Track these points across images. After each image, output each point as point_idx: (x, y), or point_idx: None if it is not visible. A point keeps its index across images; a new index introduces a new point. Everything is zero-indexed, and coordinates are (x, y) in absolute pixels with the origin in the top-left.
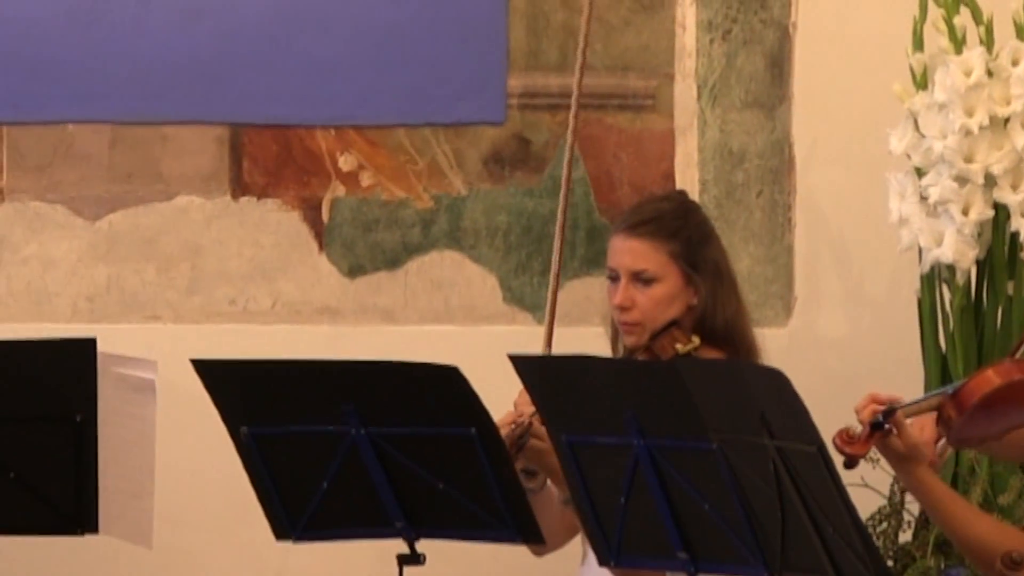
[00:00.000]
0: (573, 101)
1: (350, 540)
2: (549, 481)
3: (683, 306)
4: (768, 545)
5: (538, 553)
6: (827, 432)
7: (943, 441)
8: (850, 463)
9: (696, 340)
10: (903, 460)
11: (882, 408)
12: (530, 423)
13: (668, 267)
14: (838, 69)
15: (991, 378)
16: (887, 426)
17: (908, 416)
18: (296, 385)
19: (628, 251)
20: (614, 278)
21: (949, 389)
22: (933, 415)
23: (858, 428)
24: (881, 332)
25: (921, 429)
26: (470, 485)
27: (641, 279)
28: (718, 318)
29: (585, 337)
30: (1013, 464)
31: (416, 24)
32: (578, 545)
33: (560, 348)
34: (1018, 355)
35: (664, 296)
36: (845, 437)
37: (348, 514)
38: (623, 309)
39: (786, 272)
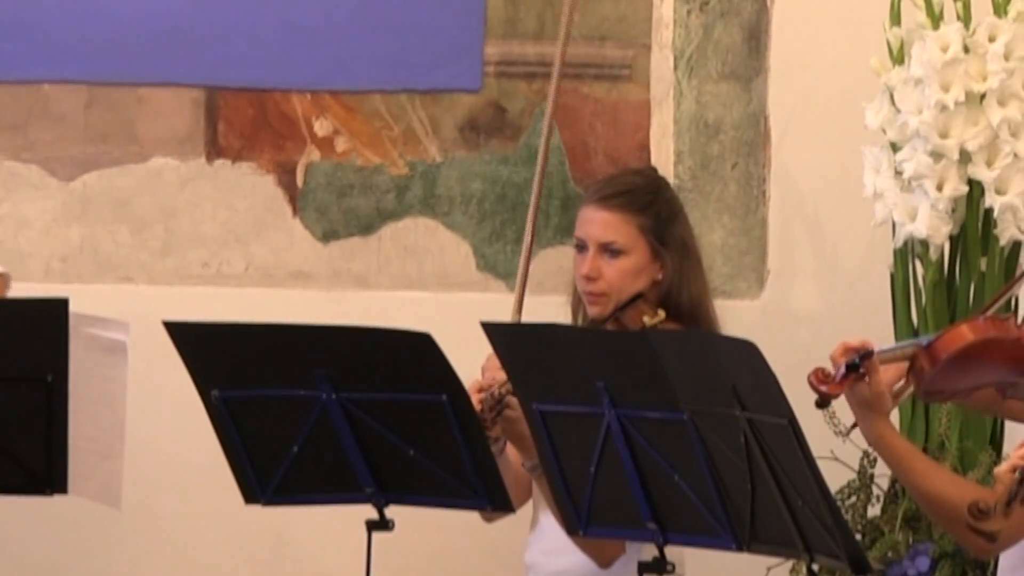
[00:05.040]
0: (555, 71)
1: (319, 505)
2: (509, 446)
3: (649, 280)
4: (737, 517)
5: (488, 518)
6: (798, 405)
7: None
8: (823, 402)
9: (662, 314)
10: (866, 408)
11: (860, 351)
12: (503, 393)
13: (637, 240)
14: (815, 42)
15: (966, 334)
16: (862, 369)
17: (882, 363)
18: (268, 349)
19: (598, 222)
20: (582, 248)
21: (923, 341)
22: None
23: (834, 369)
24: (853, 306)
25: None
26: (441, 452)
27: (609, 250)
28: (683, 295)
29: (557, 306)
30: (983, 440)
31: None
32: (529, 511)
33: (532, 317)
34: (990, 313)
35: (631, 269)
36: (821, 376)
37: (318, 479)
38: (589, 279)
39: (759, 245)
